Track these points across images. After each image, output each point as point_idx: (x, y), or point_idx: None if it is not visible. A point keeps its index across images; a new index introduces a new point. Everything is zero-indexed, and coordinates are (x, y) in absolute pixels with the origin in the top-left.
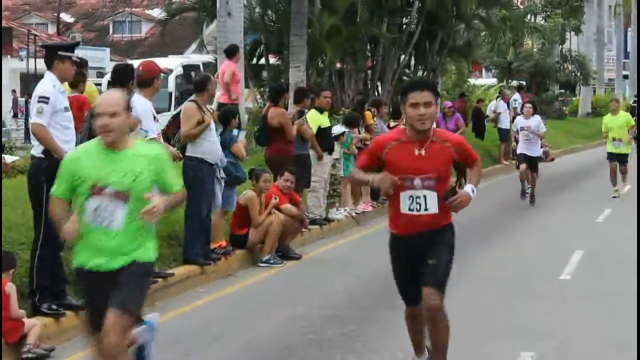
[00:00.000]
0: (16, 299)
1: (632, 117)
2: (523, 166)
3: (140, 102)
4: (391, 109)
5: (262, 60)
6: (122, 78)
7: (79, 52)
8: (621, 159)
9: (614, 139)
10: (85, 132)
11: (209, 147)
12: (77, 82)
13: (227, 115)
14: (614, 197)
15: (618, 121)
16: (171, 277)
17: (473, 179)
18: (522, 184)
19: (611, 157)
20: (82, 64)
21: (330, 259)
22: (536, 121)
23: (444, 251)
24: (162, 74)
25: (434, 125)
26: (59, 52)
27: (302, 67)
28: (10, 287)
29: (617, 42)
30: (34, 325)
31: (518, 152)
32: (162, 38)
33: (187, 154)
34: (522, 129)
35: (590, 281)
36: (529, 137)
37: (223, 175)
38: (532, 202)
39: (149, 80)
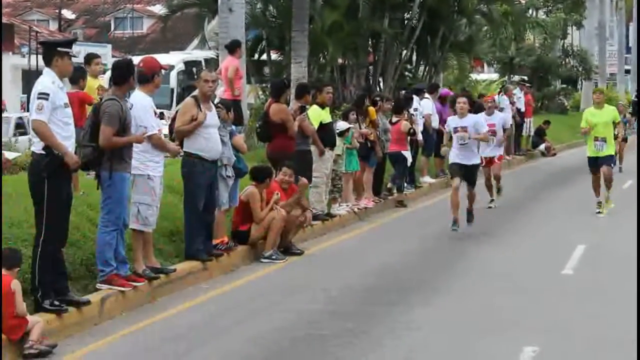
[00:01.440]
0: (21, 296)
1: (631, 112)
2: (456, 181)
3: (140, 98)
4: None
5: (264, 56)
6: (122, 74)
7: (80, 49)
8: (606, 161)
9: (596, 138)
10: (88, 129)
11: (204, 144)
12: (77, 78)
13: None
14: (598, 212)
15: (603, 117)
16: (173, 273)
17: None
18: (453, 209)
19: (593, 163)
20: (95, 57)
21: (332, 255)
22: (474, 120)
23: None
24: (162, 70)
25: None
26: (58, 49)
27: (303, 62)
28: (15, 285)
29: (619, 37)
30: (37, 322)
31: (450, 161)
32: (164, 34)
33: (184, 149)
34: (455, 130)
35: (592, 276)
36: (465, 142)
37: (230, 173)
38: (470, 220)
39: (149, 77)
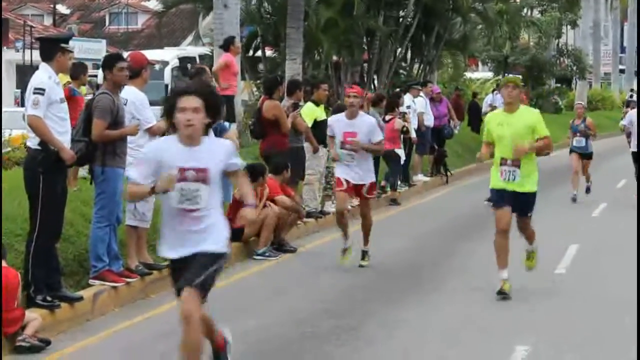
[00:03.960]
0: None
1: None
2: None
3: (135, 92)
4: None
5: (259, 53)
6: (103, 66)
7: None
8: (520, 202)
9: (503, 161)
10: (81, 123)
11: None
12: (78, 73)
13: None
14: (502, 294)
15: (515, 126)
16: (166, 269)
17: None
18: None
19: (499, 198)
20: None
21: (325, 252)
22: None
23: None
24: (154, 65)
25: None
26: (62, 45)
27: (298, 59)
28: (17, 277)
29: (614, 36)
30: (35, 319)
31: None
32: (159, 30)
33: None
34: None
35: (585, 275)
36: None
37: None
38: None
39: (137, 71)
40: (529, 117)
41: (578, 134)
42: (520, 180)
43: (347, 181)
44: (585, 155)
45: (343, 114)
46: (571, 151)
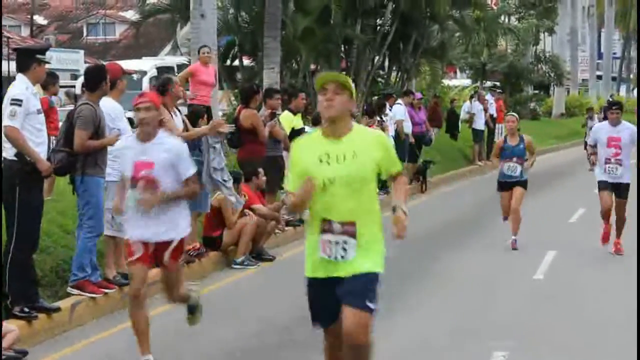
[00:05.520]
0: None
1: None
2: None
3: (110, 103)
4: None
5: (237, 62)
6: (94, 79)
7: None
8: (353, 292)
9: (326, 228)
10: (62, 134)
11: None
12: (47, 84)
13: (194, 117)
14: None
15: (350, 162)
16: None
17: None
18: None
19: (323, 302)
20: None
21: (304, 260)
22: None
23: None
24: (132, 75)
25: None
26: (37, 56)
27: (276, 68)
28: None
29: (591, 43)
30: (12, 331)
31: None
32: (136, 40)
33: None
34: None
35: (562, 281)
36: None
37: (226, 177)
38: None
39: (113, 82)
40: (373, 144)
41: (515, 159)
42: (354, 257)
43: (144, 243)
44: (519, 184)
45: (133, 136)
46: (500, 184)
